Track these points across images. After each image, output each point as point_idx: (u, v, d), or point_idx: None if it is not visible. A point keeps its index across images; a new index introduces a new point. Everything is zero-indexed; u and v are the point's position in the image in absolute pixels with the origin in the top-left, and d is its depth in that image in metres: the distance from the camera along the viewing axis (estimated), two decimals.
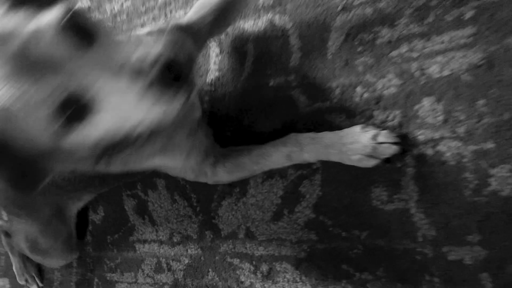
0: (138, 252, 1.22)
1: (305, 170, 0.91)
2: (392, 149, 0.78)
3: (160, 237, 1.17)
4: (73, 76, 0.53)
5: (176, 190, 1.12)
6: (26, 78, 0.52)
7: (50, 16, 0.55)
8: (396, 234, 0.81)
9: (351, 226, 0.86)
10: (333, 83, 0.88)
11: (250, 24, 1.00)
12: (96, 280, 1.34)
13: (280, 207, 0.95)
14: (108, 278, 1.31)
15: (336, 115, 0.88)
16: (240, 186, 1.01)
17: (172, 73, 0.55)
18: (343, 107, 0.87)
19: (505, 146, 0.71)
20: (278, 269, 0.95)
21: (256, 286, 0.99)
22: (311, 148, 0.84)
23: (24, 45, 0.52)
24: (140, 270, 1.22)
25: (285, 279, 0.94)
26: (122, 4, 1.27)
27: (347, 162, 0.82)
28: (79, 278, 1.40)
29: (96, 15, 1.31)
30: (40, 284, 1.49)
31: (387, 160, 0.78)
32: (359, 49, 0.85)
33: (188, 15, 0.91)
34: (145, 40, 0.61)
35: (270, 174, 0.96)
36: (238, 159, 0.93)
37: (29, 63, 0.52)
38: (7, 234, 1.41)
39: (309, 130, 0.89)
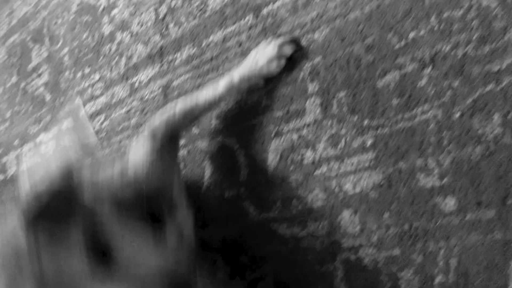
0: None
1: (258, 273, 1.05)
2: (291, 47, 0.98)
3: None
4: None
5: None
6: None
7: None
8: None
9: None
10: (275, 196, 1.04)
11: (205, 144, 1.18)
12: None
13: None
14: None
15: (279, 224, 1.03)
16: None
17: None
18: (284, 217, 1.02)
19: (407, 252, 0.85)
20: None
21: None
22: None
23: None
24: None
25: None
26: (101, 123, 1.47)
27: (258, 72, 1.00)
28: None
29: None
30: None
31: (290, 58, 0.99)
32: (291, 168, 1.01)
33: None
34: None
35: (232, 276, 1.10)
36: None
37: None
38: None
39: (260, 238, 1.04)
